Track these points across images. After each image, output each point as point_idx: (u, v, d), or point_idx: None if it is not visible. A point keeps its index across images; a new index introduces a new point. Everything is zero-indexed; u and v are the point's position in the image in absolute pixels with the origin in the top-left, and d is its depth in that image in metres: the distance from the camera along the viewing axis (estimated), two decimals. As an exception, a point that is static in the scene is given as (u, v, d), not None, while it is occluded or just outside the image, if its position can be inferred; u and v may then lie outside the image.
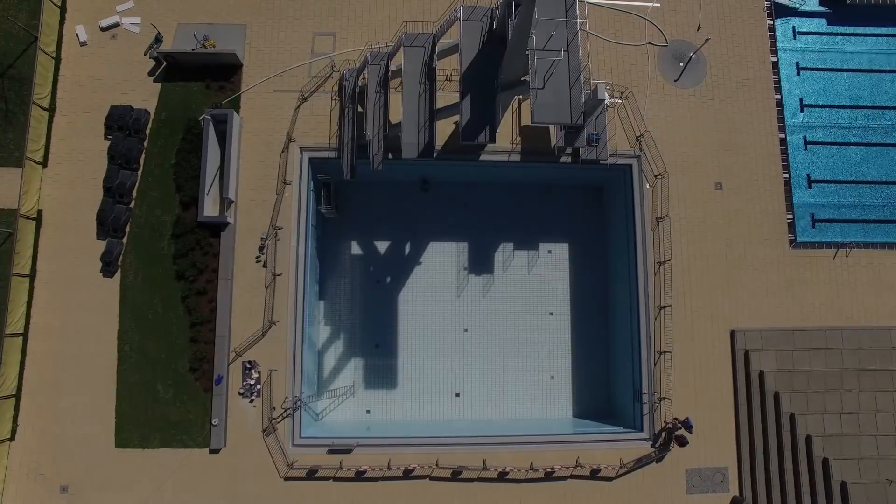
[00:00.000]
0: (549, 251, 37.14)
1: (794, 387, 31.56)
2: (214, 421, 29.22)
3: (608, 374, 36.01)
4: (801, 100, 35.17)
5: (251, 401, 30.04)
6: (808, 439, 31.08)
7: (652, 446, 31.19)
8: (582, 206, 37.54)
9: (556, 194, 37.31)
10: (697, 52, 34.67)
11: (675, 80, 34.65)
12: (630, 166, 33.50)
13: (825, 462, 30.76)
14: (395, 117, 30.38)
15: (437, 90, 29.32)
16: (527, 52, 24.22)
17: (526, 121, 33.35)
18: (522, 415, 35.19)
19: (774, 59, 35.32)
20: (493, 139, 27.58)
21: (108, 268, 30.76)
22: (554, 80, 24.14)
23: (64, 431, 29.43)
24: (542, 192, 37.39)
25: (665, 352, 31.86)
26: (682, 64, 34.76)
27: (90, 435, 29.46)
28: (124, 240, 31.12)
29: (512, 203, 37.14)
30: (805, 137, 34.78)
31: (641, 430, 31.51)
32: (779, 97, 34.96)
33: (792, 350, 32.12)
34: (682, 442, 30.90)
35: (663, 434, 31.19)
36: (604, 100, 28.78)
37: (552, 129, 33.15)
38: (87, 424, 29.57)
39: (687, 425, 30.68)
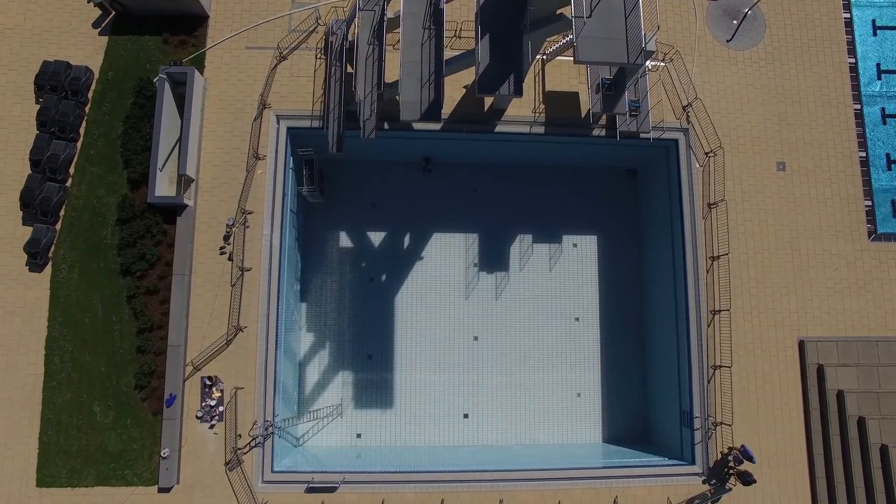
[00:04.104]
0: (575, 245, 33.24)
1: (883, 411, 26.75)
2: (164, 452, 25.24)
3: (646, 393, 31.83)
4: (878, 65, 30.63)
5: (211, 426, 25.98)
6: (907, 478, 25.70)
7: (706, 483, 26.54)
8: (613, 191, 33.54)
9: (583, 178, 33.40)
10: (754, 8, 30.28)
11: (728, 41, 30.20)
12: (676, 141, 29.15)
13: (932, 508, 25.31)
14: (392, 77, 25.87)
15: (445, 47, 24.63)
16: (568, -29, 18.65)
17: (551, 86, 28.80)
18: (543, 440, 31.31)
19: (847, 15, 30.86)
20: (519, 92, 22.41)
21: (35, 260, 26.62)
22: (603, 8, 18.49)
23: (-30, 466, 25.11)
24: (565, 175, 33.28)
25: (721, 366, 27.21)
26: (735, 21, 30.30)
27: (4, 471, 25.07)
28: (57, 226, 27.06)
29: (530, 188, 33.17)
30: (883, 109, 30.19)
31: (692, 462, 27.03)
32: (852, 61, 30.47)
33: (876, 365, 27.43)
34: (747, 480, 25.66)
35: (726, 470, 25.92)
36: (653, 52, 23.57)
37: (585, 93, 28.40)
38: (0, 457, 25.11)
39: (746, 454, 25.91)
